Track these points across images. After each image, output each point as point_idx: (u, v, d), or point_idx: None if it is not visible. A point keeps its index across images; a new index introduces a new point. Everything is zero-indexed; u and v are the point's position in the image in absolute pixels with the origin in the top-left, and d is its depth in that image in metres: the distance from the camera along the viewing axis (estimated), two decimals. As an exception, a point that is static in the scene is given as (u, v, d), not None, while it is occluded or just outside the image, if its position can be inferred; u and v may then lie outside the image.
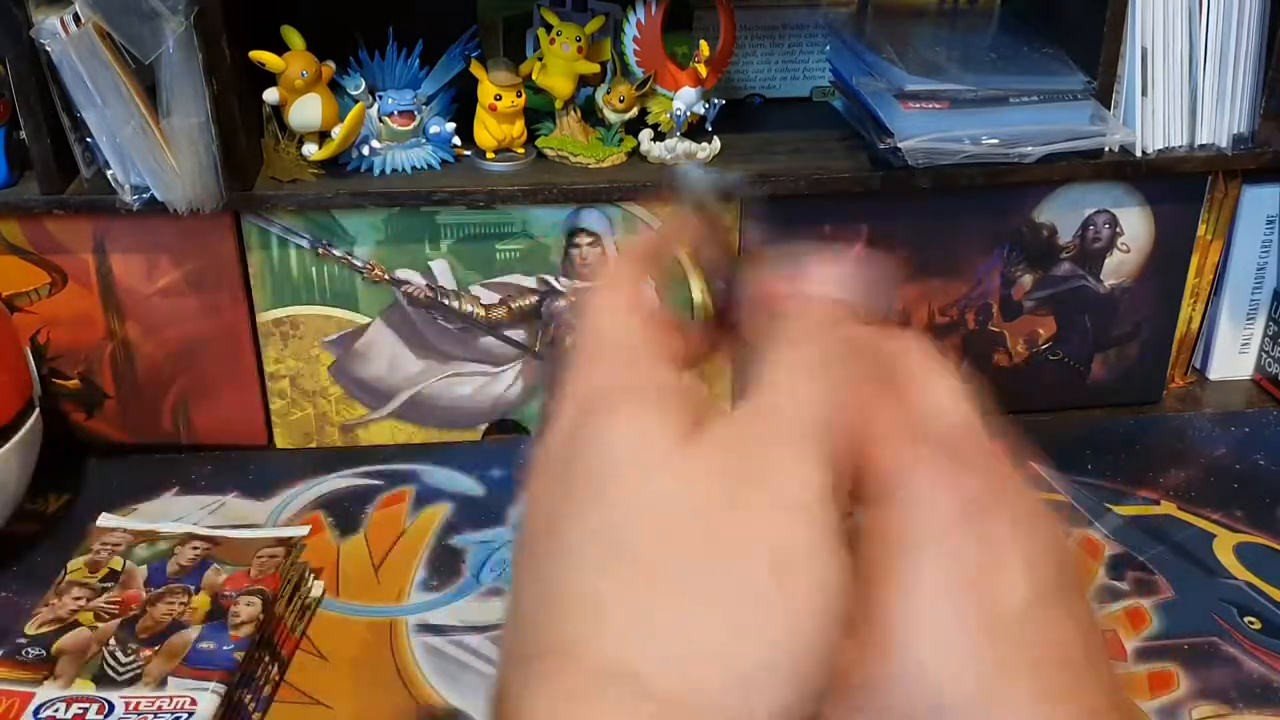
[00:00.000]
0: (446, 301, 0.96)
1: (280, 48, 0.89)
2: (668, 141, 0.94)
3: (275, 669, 0.75)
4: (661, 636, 0.29)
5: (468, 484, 0.95)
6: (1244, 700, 0.75)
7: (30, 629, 0.72)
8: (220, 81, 0.85)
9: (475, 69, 0.92)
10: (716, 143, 0.95)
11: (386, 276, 0.95)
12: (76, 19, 0.82)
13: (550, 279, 0.96)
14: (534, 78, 0.93)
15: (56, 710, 0.67)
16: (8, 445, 0.82)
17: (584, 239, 0.94)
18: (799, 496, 0.30)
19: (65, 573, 0.77)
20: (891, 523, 0.32)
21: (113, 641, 0.71)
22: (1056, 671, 0.31)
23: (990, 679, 0.30)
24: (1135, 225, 0.99)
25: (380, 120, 0.93)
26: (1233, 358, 1.08)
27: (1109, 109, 0.93)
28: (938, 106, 0.91)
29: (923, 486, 0.32)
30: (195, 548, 0.79)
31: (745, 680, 0.29)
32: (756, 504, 0.30)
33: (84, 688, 0.68)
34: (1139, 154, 0.95)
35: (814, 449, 0.31)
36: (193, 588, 0.75)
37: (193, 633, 0.72)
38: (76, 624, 0.72)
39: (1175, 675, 0.77)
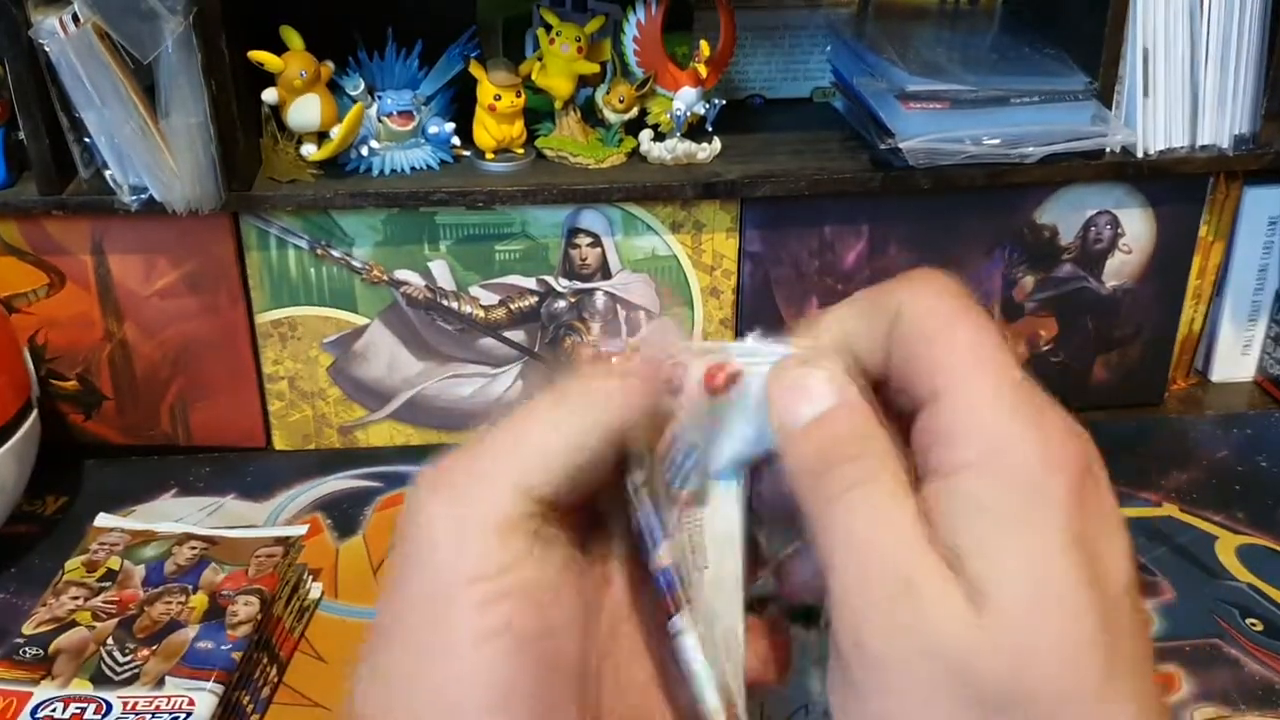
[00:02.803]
0: (445, 302, 0.96)
1: (279, 48, 0.88)
2: (668, 142, 0.94)
3: (274, 670, 0.75)
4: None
5: (467, 485, 0.94)
6: (1245, 702, 0.74)
7: (28, 629, 0.72)
8: (219, 82, 0.85)
9: (474, 69, 0.92)
10: (717, 143, 0.95)
11: (385, 277, 0.94)
12: (75, 19, 0.82)
13: (550, 280, 0.96)
14: (533, 78, 0.93)
15: (54, 710, 0.66)
16: (6, 446, 0.82)
17: (583, 239, 0.94)
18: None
19: (63, 573, 0.77)
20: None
21: (110, 641, 0.71)
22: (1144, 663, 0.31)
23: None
24: (1137, 226, 0.99)
25: (379, 120, 0.92)
26: (1234, 359, 1.08)
27: (1110, 109, 0.93)
28: (939, 107, 0.91)
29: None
30: (193, 547, 0.78)
31: None
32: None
33: (81, 687, 0.68)
34: (1140, 155, 0.94)
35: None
36: (190, 587, 0.75)
37: (190, 632, 0.71)
38: (74, 624, 0.72)
39: (1177, 677, 0.76)
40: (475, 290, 0.96)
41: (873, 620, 0.31)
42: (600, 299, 0.97)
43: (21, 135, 0.87)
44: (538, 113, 0.96)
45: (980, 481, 0.31)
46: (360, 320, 0.96)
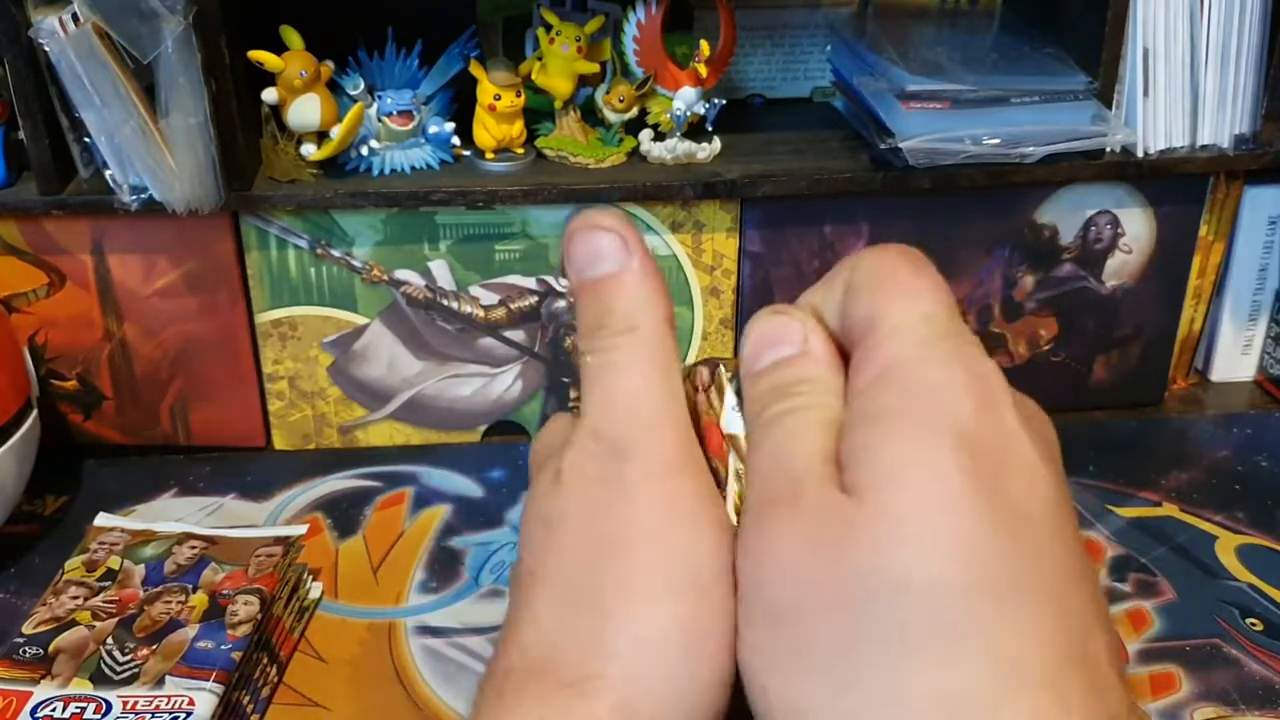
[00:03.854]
0: (445, 302, 0.96)
1: (279, 47, 0.88)
2: (668, 142, 0.94)
3: (274, 670, 0.75)
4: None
5: (467, 485, 0.95)
6: (1246, 702, 0.74)
7: (27, 628, 0.72)
8: (219, 81, 0.85)
9: (474, 69, 0.92)
10: (717, 143, 0.95)
11: (385, 277, 0.94)
12: (75, 19, 0.82)
13: (550, 280, 0.96)
14: (533, 78, 0.93)
15: (54, 709, 0.66)
16: (5, 446, 0.82)
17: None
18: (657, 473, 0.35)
19: (63, 572, 0.77)
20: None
21: (110, 640, 0.71)
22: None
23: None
24: (1137, 226, 0.99)
25: (379, 120, 0.92)
26: (1235, 359, 1.08)
27: (1110, 109, 0.93)
28: (939, 106, 0.90)
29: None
30: (193, 547, 0.78)
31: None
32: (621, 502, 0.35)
33: (81, 687, 0.68)
34: (1140, 154, 0.94)
35: (648, 432, 0.36)
36: (190, 587, 0.75)
37: (190, 632, 0.71)
38: (74, 623, 0.72)
39: (1177, 677, 0.76)
40: (475, 290, 0.96)
41: (761, 523, 0.33)
42: (600, 299, 0.96)
43: (21, 135, 0.87)
44: (538, 112, 0.96)
45: (878, 395, 0.33)
46: (360, 320, 0.96)
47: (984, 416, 0.32)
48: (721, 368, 0.39)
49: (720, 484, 0.38)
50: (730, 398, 0.38)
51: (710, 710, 0.34)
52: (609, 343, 0.37)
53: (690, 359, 0.98)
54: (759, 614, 0.33)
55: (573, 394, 1.00)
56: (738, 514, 0.37)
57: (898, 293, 0.34)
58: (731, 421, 0.38)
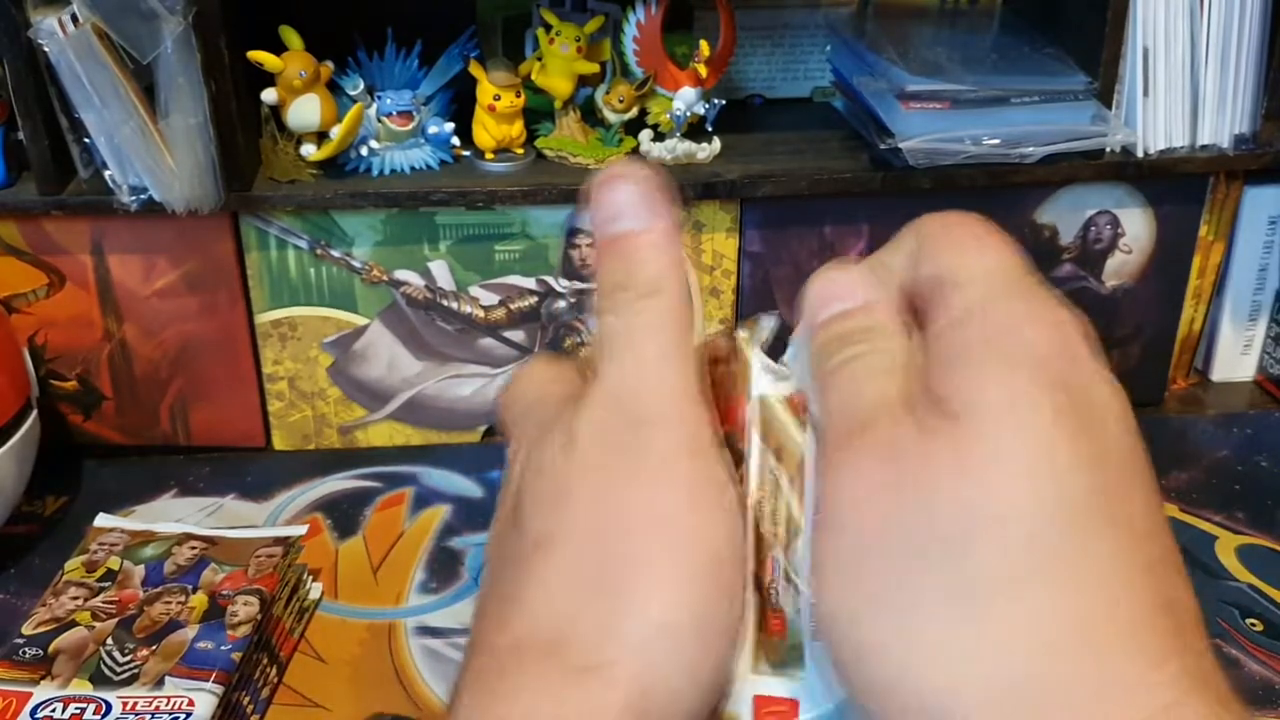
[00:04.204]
0: (445, 303, 0.96)
1: (278, 48, 0.88)
2: (668, 142, 0.94)
3: (274, 671, 0.75)
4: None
5: (467, 486, 0.95)
6: (1245, 702, 0.74)
7: (27, 629, 0.72)
8: (218, 82, 0.85)
9: (474, 69, 0.92)
10: (717, 143, 0.95)
11: (385, 277, 0.94)
12: (74, 19, 0.82)
13: (549, 280, 0.96)
14: (533, 78, 0.93)
15: (54, 710, 0.66)
16: (5, 447, 0.82)
17: (583, 240, 0.94)
18: (668, 455, 0.34)
19: (62, 573, 0.77)
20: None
21: (110, 641, 0.71)
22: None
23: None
24: (1137, 226, 0.99)
25: (379, 120, 0.92)
26: (1235, 359, 1.08)
27: (1110, 109, 0.93)
28: (939, 107, 0.90)
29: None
30: (193, 547, 0.78)
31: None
32: (629, 474, 0.34)
33: (81, 687, 0.68)
34: (1140, 154, 0.94)
35: (671, 407, 0.35)
36: (190, 587, 0.75)
37: (190, 632, 0.71)
38: (74, 623, 0.72)
39: (1177, 677, 0.76)
40: (475, 290, 0.96)
41: (839, 463, 0.33)
42: (600, 299, 0.96)
43: (21, 135, 0.87)
44: (537, 113, 0.96)
45: (960, 336, 0.32)
46: (360, 320, 0.96)
47: (1068, 356, 0.31)
48: (741, 331, 0.38)
49: (739, 460, 0.36)
50: (757, 360, 0.37)
51: (713, 698, 0.34)
52: (634, 305, 0.35)
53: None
54: (842, 552, 0.32)
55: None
56: (758, 489, 0.36)
57: (972, 246, 0.35)
58: (760, 383, 0.37)
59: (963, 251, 0.35)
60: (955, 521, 0.29)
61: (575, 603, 0.33)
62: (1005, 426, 0.30)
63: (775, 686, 0.35)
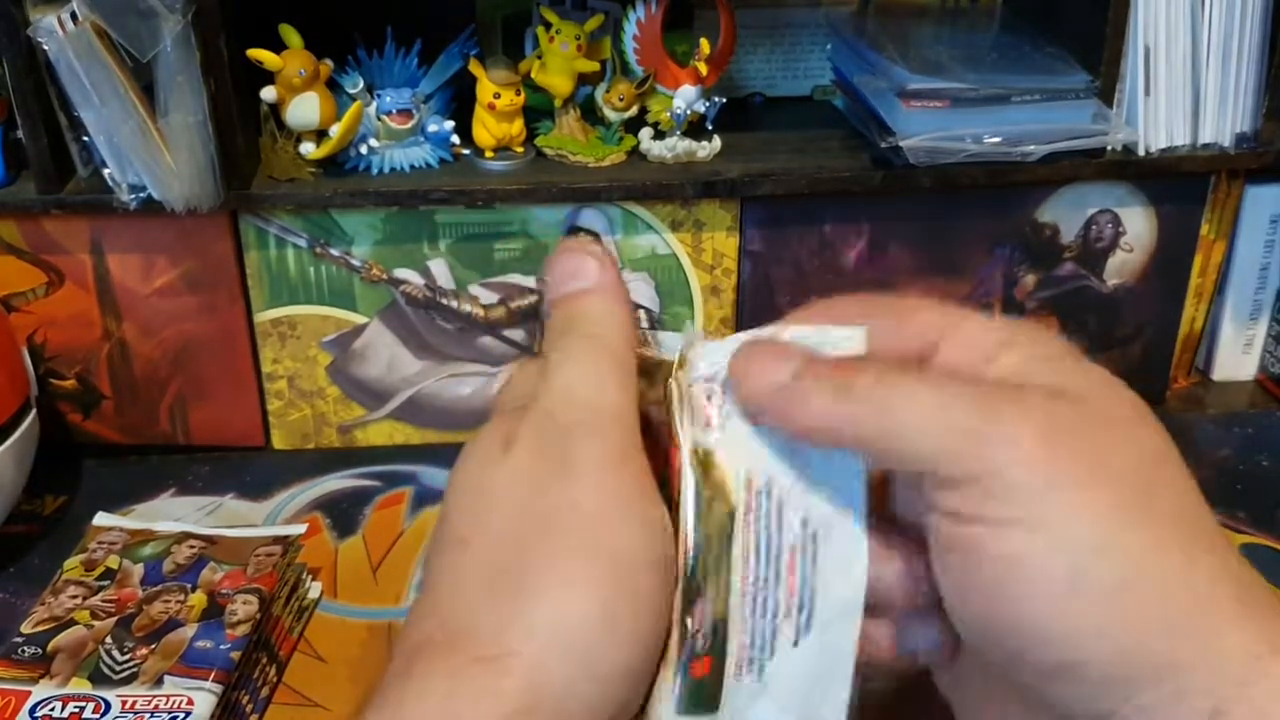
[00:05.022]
0: (445, 301, 0.95)
1: (278, 46, 0.88)
2: (668, 140, 0.94)
3: (273, 670, 0.75)
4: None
5: (467, 485, 0.94)
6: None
7: (26, 628, 0.72)
8: (217, 80, 0.85)
9: (474, 67, 0.92)
10: (717, 142, 0.95)
11: (384, 276, 0.94)
12: (74, 17, 0.82)
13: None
14: (533, 76, 0.93)
15: (52, 709, 0.66)
16: (4, 446, 0.82)
17: (583, 239, 0.94)
18: (591, 467, 0.36)
19: (61, 572, 0.76)
20: None
21: (109, 640, 0.71)
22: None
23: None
24: (1138, 225, 0.99)
25: (378, 119, 0.92)
26: (1236, 358, 1.08)
27: (1111, 108, 0.92)
28: (939, 105, 0.90)
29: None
30: (192, 546, 0.78)
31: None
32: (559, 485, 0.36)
33: (80, 686, 0.68)
34: (1142, 153, 0.94)
35: (601, 420, 0.37)
36: (189, 586, 0.75)
37: (189, 631, 0.71)
38: (73, 622, 0.72)
39: (1179, 676, 0.76)
40: (475, 289, 0.95)
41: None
42: (600, 298, 0.96)
43: (20, 134, 0.87)
44: (537, 111, 0.96)
45: (1025, 344, 0.38)
46: (359, 319, 0.96)
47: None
48: (673, 383, 0.40)
49: (674, 504, 0.38)
50: (687, 409, 0.39)
51: (616, 699, 0.35)
52: (572, 343, 0.39)
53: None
54: None
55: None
56: (696, 538, 0.37)
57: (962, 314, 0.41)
58: (690, 431, 0.38)
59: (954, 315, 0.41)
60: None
61: (482, 597, 0.35)
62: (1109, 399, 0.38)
63: None
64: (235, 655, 0.70)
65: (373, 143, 0.92)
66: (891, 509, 0.40)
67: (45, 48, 0.82)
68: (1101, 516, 0.33)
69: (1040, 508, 0.33)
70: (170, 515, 0.89)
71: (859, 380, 0.35)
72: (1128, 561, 0.33)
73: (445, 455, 0.97)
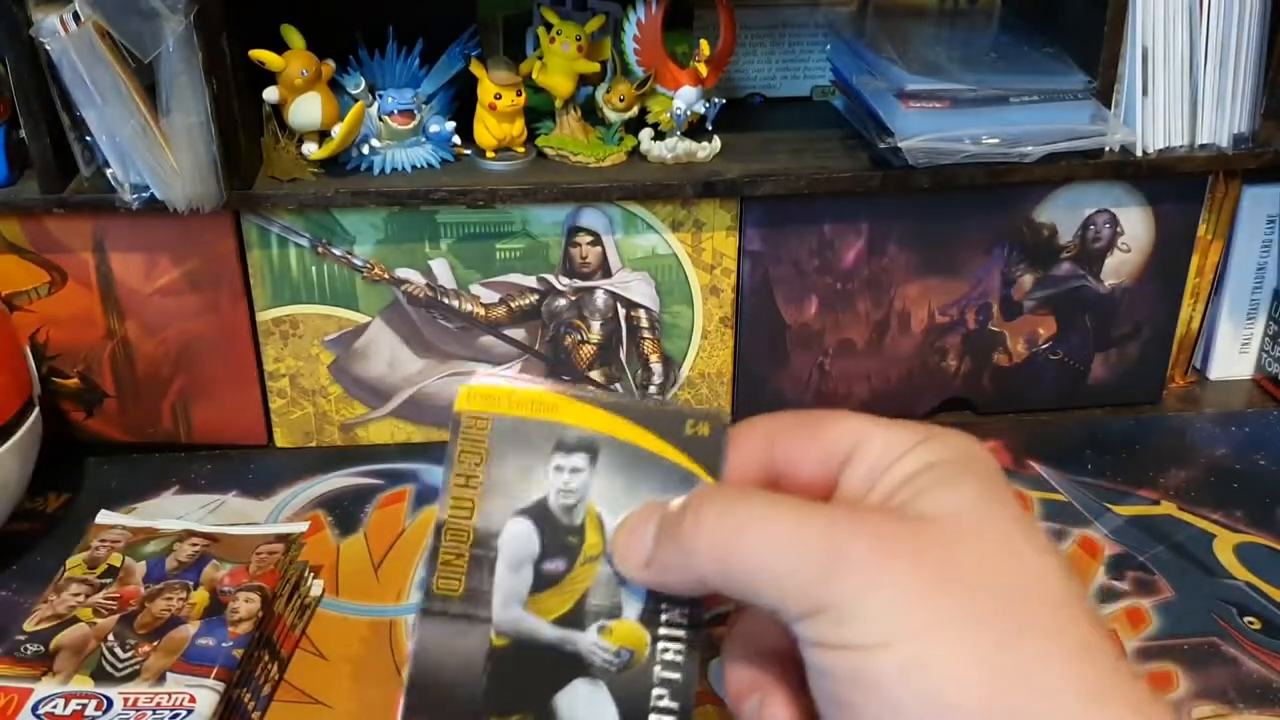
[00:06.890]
0: (446, 301, 0.96)
1: (280, 46, 0.89)
2: (668, 141, 0.94)
3: (275, 668, 0.75)
4: None
5: (467, 483, 0.95)
6: (1243, 701, 0.74)
7: (29, 626, 0.72)
8: (220, 80, 0.85)
9: (475, 68, 0.92)
10: (717, 142, 0.95)
11: (386, 276, 0.95)
12: (76, 17, 0.82)
13: (550, 278, 0.96)
14: (534, 77, 0.93)
15: (55, 706, 0.66)
16: (7, 444, 0.82)
17: (584, 238, 0.94)
18: None
19: (64, 569, 0.77)
20: None
21: (111, 637, 0.71)
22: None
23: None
24: (1136, 225, 0.99)
25: (380, 119, 0.93)
26: (1233, 357, 1.08)
27: (1109, 108, 0.93)
28: (938, 106, 0.91)
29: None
30: (194, 544, 0.78)
31: None
32: None
33: (83, 684, 0.68)
34: (1139, 153, 0.95)
35: None
36: (191, 584, 0.75)
37: (191, 628, 0.72)
38: (75, 620, 0.72)
39: (1175, 675, 0.76)
40: (476, 288, 0.96)
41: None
42: (600, 297, 0.97)
43: (23, 134, 0.87)
44: (538, 111, 0.96)
45: (914, 459, 0.38)
46: (361, 318, 0.96)
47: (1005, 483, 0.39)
48: None
49: None
50: None
51: None
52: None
53: (690, 357, 0.99)
54: None
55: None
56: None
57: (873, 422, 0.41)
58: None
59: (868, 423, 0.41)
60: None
61: None
62: (971, 520, 0.37)
63: None
64: (237, 653, 0.70)
65: (374, 143, 0.92)
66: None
67: (48, 48, 0.82)
68: (944, 633, 0.34)
69: (885, 629, 0.34)
70: (172, 513, 0.89)
71: (695, 536, 0.39)
72: (978, 678, 0.33)
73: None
